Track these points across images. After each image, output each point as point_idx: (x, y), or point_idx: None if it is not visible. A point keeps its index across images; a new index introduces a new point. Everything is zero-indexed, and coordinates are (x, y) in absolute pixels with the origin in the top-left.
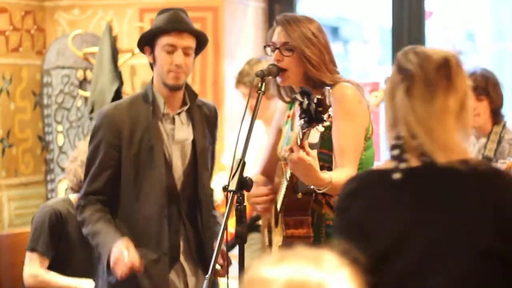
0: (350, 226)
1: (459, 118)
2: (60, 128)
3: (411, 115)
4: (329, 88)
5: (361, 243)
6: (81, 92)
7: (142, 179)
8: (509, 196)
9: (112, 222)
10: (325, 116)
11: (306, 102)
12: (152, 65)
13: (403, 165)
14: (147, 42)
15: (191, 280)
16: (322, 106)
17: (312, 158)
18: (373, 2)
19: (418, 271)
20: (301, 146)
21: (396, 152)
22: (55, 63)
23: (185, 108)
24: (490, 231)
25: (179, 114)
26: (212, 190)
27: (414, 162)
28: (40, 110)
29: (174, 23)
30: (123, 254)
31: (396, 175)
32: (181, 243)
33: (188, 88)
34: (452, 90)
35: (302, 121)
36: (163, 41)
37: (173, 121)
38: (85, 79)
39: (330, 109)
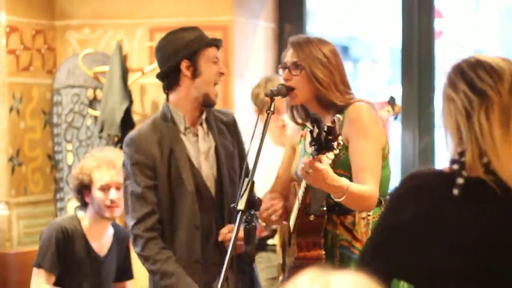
0: (402, 228)
1: None
2: (69, 147)
3: (489, 137)
4: (339, 116)
5: (409, 250)
6: (91, 111)
7: (174, 194)
8: None
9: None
10: (335, 144)
11: (316, 130)
12: (176, 82)
13: (460, 181)
14: (187, 55)
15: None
16: (332, 134)
17: (327, 166)
18: (383, 22)
19: None
20: (317, 160)
21: (456, 167)
22: (65, 82)
23: (204, 117)
24: None
25: (200, 124)
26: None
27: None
28: (50, 129)
29: (212, 38)
30: None
31: (455, 191)
32: (222, 250)
33: None
34: None
35: (312, 149)
36: (210, 53)
37: (196, 133)
38: (95, 98)
39: (340, 137)
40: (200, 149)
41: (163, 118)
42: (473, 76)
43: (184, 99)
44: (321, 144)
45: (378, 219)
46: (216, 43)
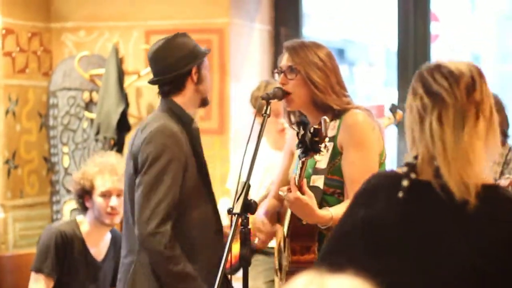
0: (351, 231)
1: (486, 141)
2: (65, 149)
3: (439, 141)
4: (325, 117)
5: (355, 252)
6: (87, 113)
7: (202, 195)
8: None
9: None
10: (322, 146)
11: (302, 132)
12: (182, 87)
13: (405, 183)
14: (197, 61)
15: None
16: (319, 136)
17: (308, 197)
18: (379, 25)
19: None
20: (298, 186)
21: (405, 169)
22: (61, 84)
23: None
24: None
25: None
26: None
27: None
28: (46, 131)
29: (207, 48)
30: None
31: (400, 194)
32: None
33: None
34: (481, 114)
35: (299, 151)
36: (206, 62)
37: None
38: (91, 100)
39: (326, 139)
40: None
41: (176, 117)
42: (430, 80)
43: (189, 102)
44: (307, 146)
45: (340, 216)
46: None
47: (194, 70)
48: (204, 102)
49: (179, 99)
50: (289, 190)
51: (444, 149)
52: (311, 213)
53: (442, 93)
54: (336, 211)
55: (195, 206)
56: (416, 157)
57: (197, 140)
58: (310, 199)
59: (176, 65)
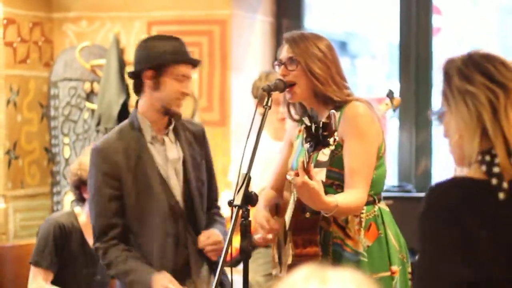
0: (467, 240)
1: None
2: (66, 140)
3: None
4: (334, 111)
5: (474, 261)
6: (88, 104)
7: (143, 203)
8: None
9: (140, 258)
10: (331, 140)
11: (312, 126)
12: (140, 88)
13: (505, 185)
14: (152, 65)
15: None
16: (328, 130)
17: (316, 182)
18: (381, 18)
19: None
20: (306, 171)
21: (495, 169)
22: (63, 75)
23: (171, 127)
24: None
25: (167, 134)
26: (216, 202)
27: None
28: (47, 122)
29: (188, 55)
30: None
31: (501, 195)
32: (192, 257)
33: None
34: None
35: (308, 145)
36: (178, 70)
37: (163, 142)
38: (92, 91)
39: (336, 133)
40: (168, 158)
41: (131, 126)
42: (491, 68)
43: (148, 107)
44: (317, 140)
45: (419, 246)
46: (190, 62)
47: (148, 74)
48: (165, 112)
49: (142, 104)
50: (297, 174)
51: None
52: (317, 199)
53: (509, 84)
54: (341, 199)
55: (144, 218)
56: (485, 152)
57: (143, 148)
58: (318, 184)
59: (136, 63)
